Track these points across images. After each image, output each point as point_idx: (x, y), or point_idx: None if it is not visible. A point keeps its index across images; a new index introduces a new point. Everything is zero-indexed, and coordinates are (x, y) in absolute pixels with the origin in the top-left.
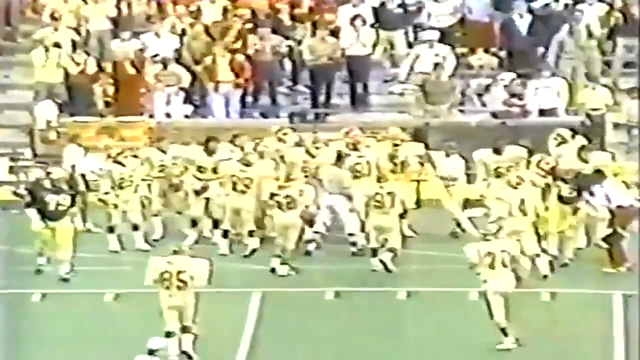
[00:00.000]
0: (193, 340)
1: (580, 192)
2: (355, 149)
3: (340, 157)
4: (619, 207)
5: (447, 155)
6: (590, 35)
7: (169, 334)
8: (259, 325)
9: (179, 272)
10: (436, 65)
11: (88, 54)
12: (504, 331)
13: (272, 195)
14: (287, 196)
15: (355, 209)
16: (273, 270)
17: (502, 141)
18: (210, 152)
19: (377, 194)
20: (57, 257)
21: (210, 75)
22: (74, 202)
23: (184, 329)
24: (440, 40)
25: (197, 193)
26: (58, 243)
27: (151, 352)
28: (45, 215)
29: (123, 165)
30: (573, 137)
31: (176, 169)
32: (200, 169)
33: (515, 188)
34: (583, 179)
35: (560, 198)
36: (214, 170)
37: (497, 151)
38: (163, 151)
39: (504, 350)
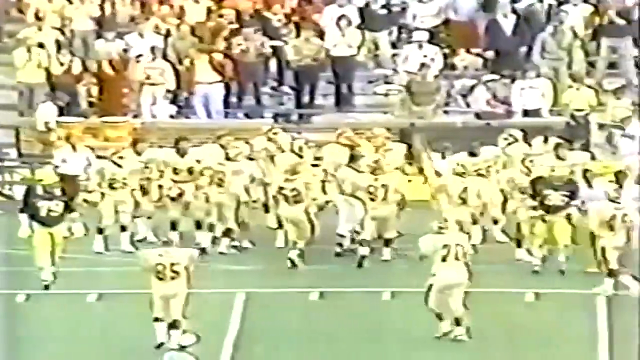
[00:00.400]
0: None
1: (572, 198)
2: (352, 148)
3: (353, 158)
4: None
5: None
6: (575, 35)
7: (157, 319)
8: (243, 326)
9: (172, 264)
10: (422, 65)
11: (73, 54)
12: (457, 321)
13: (280, 188)
14: (293, 189)
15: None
16: (292, 262)
17: (476, 143)
18: (182, 153)
19: (370, 186)
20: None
21: (190, 75)
22: (68, 209)
23: (173, 324)
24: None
25: (173, 199)
26: (44, 249)
27: (182, 348)
28: (39, 221)
29: (119, 166)
30: (525, 137)
31: (151, 172)
32: (175, 170)
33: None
34: (573, 185)
35: (548, 207)
36: (189, 171)
37: (473, 154)
38: (138, 153)
39: (457, 342)
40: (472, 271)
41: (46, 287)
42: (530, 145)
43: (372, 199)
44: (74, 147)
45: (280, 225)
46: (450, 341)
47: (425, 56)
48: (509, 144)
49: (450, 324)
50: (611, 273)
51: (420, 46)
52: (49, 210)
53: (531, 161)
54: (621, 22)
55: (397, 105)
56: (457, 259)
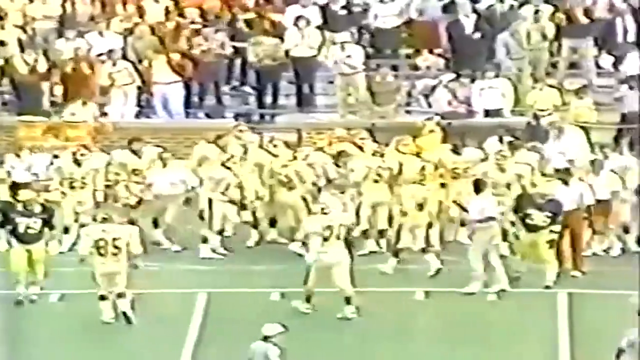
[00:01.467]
0: (131, 301)
1: (554, 219)
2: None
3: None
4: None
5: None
6: (544, 37)
7: (102, 298)
8: (204, 326)
9: (114, 239)
10: (378, 66)
11: (38, 52)
12: (348, 300)
13: (274, 173)
14: (286, 175)
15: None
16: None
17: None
18: (136, 153)
19: (379, 167)
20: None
21: (149, 76)
22: (47, 226)
23: (120, 295)
24: (387, 41)
25: (132, 207)
26: (20, 265)
27: (266, 338)
28: (17, 237)
29: (78, 165)
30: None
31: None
32: (135, 171)
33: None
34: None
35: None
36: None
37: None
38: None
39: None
40: (352, 250)
41: (18, 303)
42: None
43: (376, 181)
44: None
45: (256, 226)
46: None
47: (348, 57)
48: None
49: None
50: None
51: (343, 47)
52: (27, 227)
53: (504, 157)
54: (585, 20)
55: (359, 105)
56: (338, 238)
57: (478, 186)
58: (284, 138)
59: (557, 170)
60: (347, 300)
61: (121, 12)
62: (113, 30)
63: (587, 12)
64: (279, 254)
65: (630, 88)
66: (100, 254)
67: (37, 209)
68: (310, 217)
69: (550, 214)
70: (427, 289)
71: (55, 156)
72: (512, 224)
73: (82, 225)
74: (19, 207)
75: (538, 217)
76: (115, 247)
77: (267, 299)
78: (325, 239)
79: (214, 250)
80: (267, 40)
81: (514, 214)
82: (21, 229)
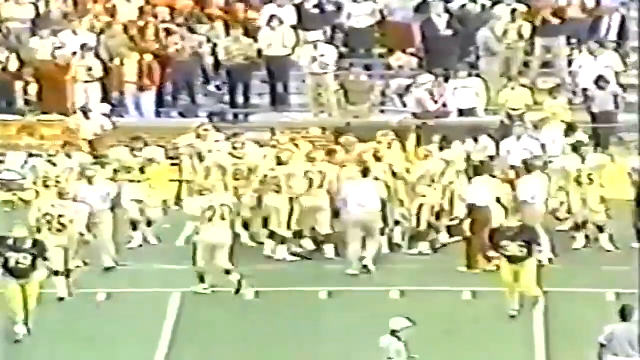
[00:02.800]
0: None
1: (530, 248)
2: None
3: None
4: (474, 205)
5: None
6: (520, 37)
7: (56, 273)
8: (178, 326)
9: (59, 216)
10: (351, 65)
11: (10, 51)
12: (228, 272)
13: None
14: (274, 177)
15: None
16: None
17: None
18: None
19: (307, 171)
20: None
21: (120, 75)
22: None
23: (59, 273)
24: (361, 41)
25: None
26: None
27: (393, 332)
28: (9, 271)
29: (53, 165)
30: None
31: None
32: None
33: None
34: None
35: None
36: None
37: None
38: (69, 156)
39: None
40: (236, 231)
41: (17, 342)
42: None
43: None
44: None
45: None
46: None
47: (322, 55)
48: None
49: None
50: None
51: (316, 46)
52: (17, 262)
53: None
54: (556, 21)
55: (332, 105)
56: (223, 219)
57: None
58: (259, 137)
59: (512, 167)
60: (227, 272)
61: (94, 11)
62: (85, 28)
63: (558, 13)
64: (251, 254)
65: (600, 88)
66: (49, 229)
67: (28, 244)
68: (190, 198)
69: (523, 243)
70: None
71: (31, 155)
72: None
73: None
74: (10, 241)
75: (514, 249)
76: (60, 224)
77: (242, 299)
78: (210, 220)
79: None
80: (243, 39)
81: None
82: (12, 264)
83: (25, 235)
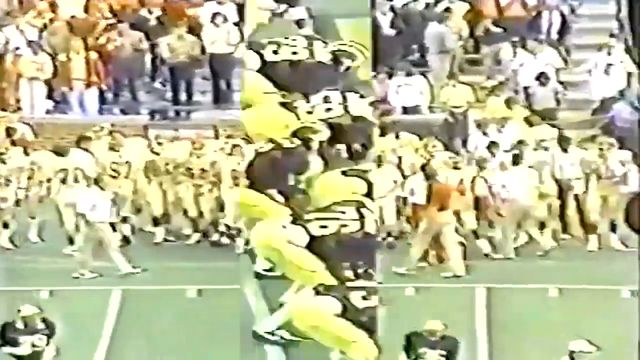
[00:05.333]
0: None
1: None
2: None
3: None
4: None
5: None
6: (459, 37)
7: None
8: (118, 324)
9: None
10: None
11: None
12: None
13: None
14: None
15: None
16: None
17: None
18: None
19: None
20: None
21: (65, 72)
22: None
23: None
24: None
25: None
26: None
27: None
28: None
29: (3, 162)
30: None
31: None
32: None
33: None
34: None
35: None
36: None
37: None
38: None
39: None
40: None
41: None
42: None
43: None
44: None
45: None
46: None
47: None
48: None
49: None
50: None
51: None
52: (33, 345)
53: (434, 146)
54: (498, 30)
55: None
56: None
57: None
58: (204, 134)
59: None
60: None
61: (36, 7)
62: (28, 24)
63: (500, 14)
64: (197, 251)
65: (542, 84)
66: None
67: (40, 324)
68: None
69: (444, 353)
70: None
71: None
72: None
73: (5, 224)
74: (20, 324)
75: (432, 357)
76: None
77: (184, 296)
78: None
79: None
80: (188, 36)
81: (406, 355)
82: (26, 350)
83: (34, 313)
